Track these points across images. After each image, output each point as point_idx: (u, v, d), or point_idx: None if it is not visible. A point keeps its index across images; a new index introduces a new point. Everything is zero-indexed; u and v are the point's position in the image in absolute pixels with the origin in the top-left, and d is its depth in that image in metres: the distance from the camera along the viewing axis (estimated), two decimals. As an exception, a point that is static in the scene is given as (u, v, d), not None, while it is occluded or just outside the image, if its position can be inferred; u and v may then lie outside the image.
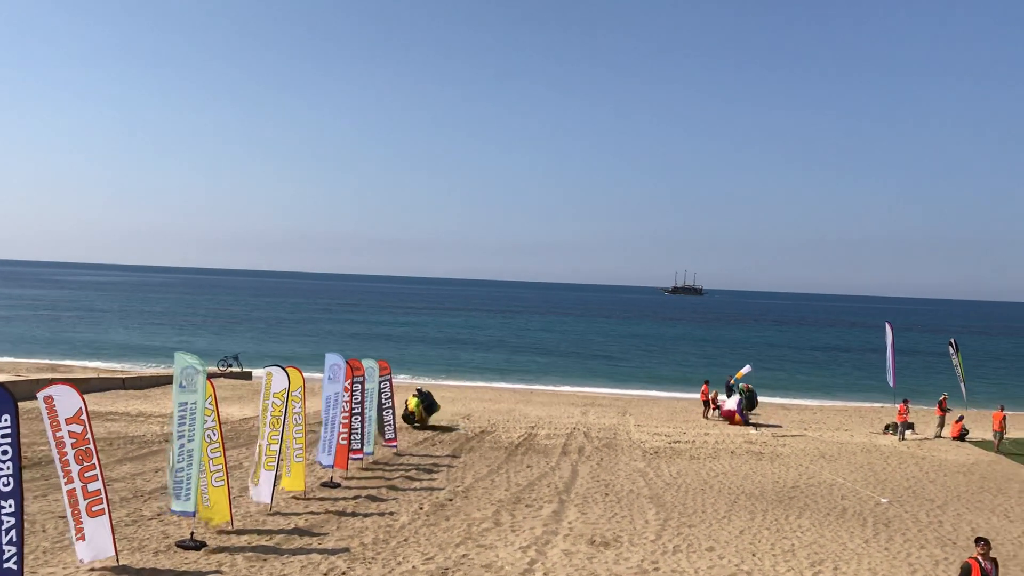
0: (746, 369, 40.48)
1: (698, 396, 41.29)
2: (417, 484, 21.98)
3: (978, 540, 12.78)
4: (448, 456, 26.45)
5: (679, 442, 30.86)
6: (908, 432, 34.41)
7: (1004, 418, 32.23)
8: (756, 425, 36.35)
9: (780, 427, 36.43)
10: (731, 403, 37.43)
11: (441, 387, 47.85)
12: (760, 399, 46.57)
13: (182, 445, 15.26)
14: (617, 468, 25.37)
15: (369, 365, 25.12)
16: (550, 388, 52.07)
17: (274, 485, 18.20)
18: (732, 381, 40.81)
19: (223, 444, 16.36)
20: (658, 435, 32.39)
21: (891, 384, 45.38)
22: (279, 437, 18.18)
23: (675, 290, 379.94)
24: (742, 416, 36.96)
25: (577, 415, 37.85)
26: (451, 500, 20.19)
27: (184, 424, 15.27)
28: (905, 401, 35.91)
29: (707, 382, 40.76)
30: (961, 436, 33.94)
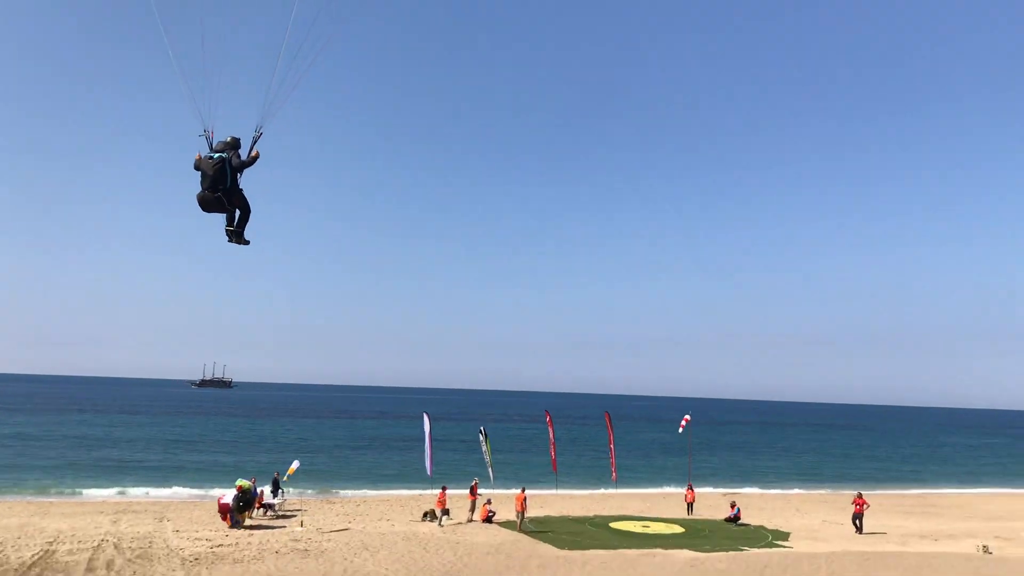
0: (295, 465, 40.25)
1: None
2: None
3: None
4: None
5: (222, 545, 29.43)
6: (445, 518, 36.63)
7: (525, 499, 35.86)
8: (302, 522, 36.01)
9: (285, 521, 36.54)
10: (227, 497, 34.36)
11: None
12: (307, 491, 46.49)
13: None
14: (151, 581, 23.39)
15: None
16: (72, 498, 46.45)
17: None
18: (282, 477, 40.29)
19: None
20: (199, 540, 30.56)
21: (428, 472, 48.18)
22: None
23: (203, 383, 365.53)
24: (231, 516, 34.02)
25: (106, 524, 34.26)
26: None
27: None
28: (443, 488, 38.29)
29: (254, 478, 39.59)
30: (489, 518, 37.00)
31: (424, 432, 48.83)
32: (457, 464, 70.77)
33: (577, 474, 67.19)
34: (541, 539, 32.94)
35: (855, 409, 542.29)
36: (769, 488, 62.88)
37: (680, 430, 57.06)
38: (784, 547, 33.20)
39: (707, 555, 30.39)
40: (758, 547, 32.79)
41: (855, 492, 40.93)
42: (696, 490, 47.18)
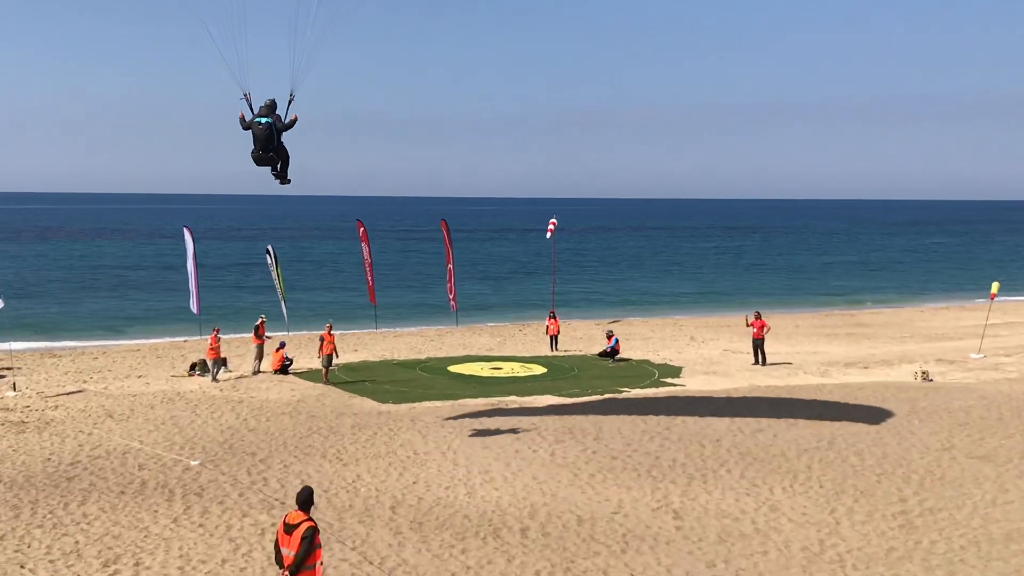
0: (-4, 305, 38.98)
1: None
2: None
3: None
4: None
5: None
6: (222, 370, 36.74)
7: (333, 340, 36.32)
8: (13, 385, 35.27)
9: (20, 384, 35.99)
10: None
11: None
12: (17, 344, 45.37)
13: None
14: None
15: None
16: None
17: None
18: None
19: None
20: None
21: (195, 310, 47.92)
22: None
23: None
24: None
25: None
26: None
27: None
28: (216, 331, 38.19)
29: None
30: (284, 368, 37.39)
31: (186, 255, 48.14)
32: (235, 298, 70.49)
33: (403, 305, 68.39)
34: (356, 391, 33.70)
35: (769, 205, 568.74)
36: (656, 313, 65.91)
37: (548, 236, 58.39)
38: (674, 385, 35.27)
39: (574, 401, 31.95)
40: (641, 387, 34.70)
41: (753, 313, 42.51)
42: (561, 319, 48.95)
